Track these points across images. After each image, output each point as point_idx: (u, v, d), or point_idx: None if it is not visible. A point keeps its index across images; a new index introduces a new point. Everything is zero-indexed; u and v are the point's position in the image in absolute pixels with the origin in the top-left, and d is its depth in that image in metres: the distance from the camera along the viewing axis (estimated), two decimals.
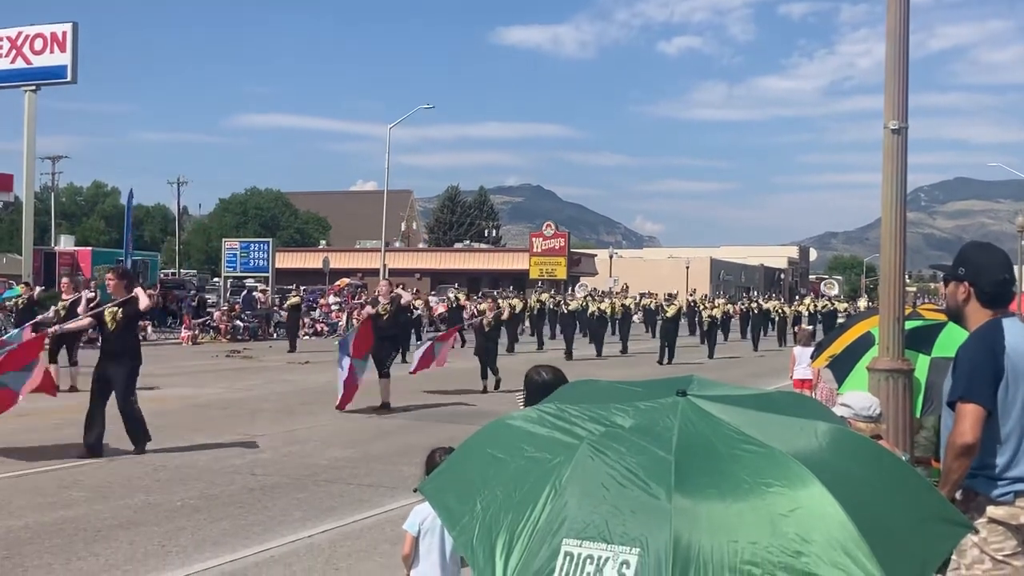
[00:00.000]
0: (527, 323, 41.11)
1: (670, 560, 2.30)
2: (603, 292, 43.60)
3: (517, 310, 37.01)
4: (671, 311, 31.50)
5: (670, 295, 39.83)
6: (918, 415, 6.78)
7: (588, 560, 2.39)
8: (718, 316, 36.26)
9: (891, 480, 2.77)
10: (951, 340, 6.68)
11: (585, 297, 38.15)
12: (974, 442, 4.10)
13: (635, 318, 42.42)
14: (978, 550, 4.18)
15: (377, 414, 16.00)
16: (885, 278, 7.94)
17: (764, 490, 2.43)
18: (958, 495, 4.22)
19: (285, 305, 37.11)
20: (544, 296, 40.44)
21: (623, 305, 36.26)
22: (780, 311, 46.43)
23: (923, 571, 2.55)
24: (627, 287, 45.68)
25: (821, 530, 2.34)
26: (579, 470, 2.59)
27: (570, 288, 48.23)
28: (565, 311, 34.49)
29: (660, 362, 28.87)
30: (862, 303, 63.96)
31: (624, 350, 33.31)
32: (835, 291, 58.70)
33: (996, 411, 4.16)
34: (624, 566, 2.35)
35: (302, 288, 42.22)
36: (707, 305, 38.82)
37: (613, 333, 36.39)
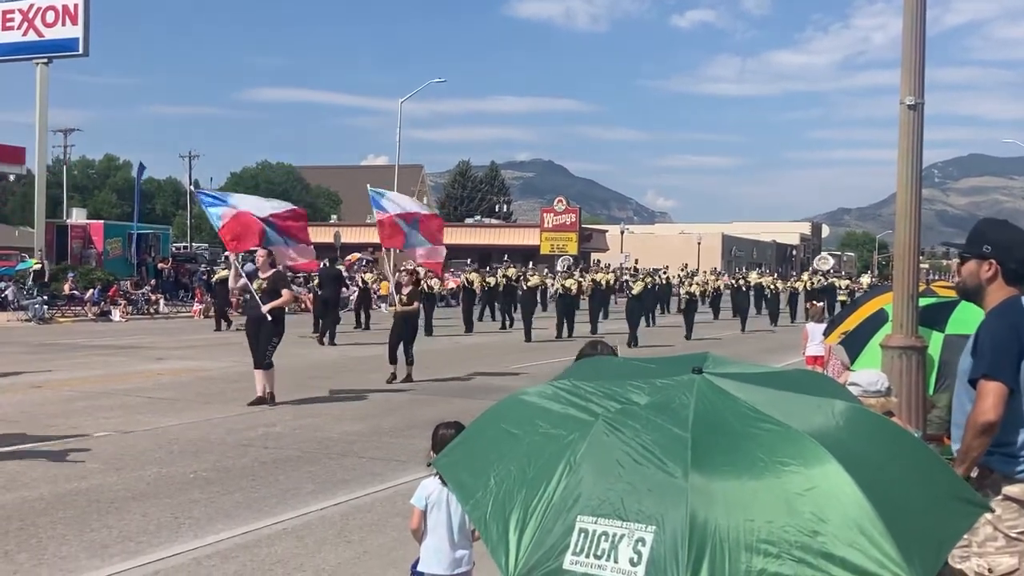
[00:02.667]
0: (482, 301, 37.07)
1: (686, 538, 2.30)
2: (568, 267, 39.95)
3: (474, 286, 34.19)
4: (637, 288, 27.84)
5: (636, 270, 36.55)
6: (931, 393, 6.77)
7: (603, 537, 2.40)
8: (696, 292, 32.70)
9: (908, 459, 2.75)
10: (965, 318, 6.66)
11: (560, 273, 34.29)
12: (996, 420, 4.06)
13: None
14: (991, 527, 4.17)
15: (269, 405, 13.76)
16: (899, 255, 7.91)
17: (780, 469, 2.43)
18: (973, 473, 4.20)
19: (213, 279, 31.77)
20: (511, 272, 35.32)
21: (593, 281, 32.46)
22: (772, 287, 41.83)
23: (939, 550, 2.54)
24: (598, 261, 42.36)
25: (837, 509, 2.34)
26: (594, 447, 2.59)
27: (530, 263, 42.77)
28: (524, 288, 30.03)
29: (630, 344, 25.42)
30: (865, 279, 62.92)
31: (593, 331, 29.19)
32: (828, 265, 57.24)
33: (1018, 389, 4.13)
34: (640, 543, 2.35)
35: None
36: (685, 280, 35.22)
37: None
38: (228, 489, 9.01)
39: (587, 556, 2.39)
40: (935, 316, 6.99)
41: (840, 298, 40.48)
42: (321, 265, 25.10)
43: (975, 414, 4.12)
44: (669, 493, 2.40)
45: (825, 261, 60.91)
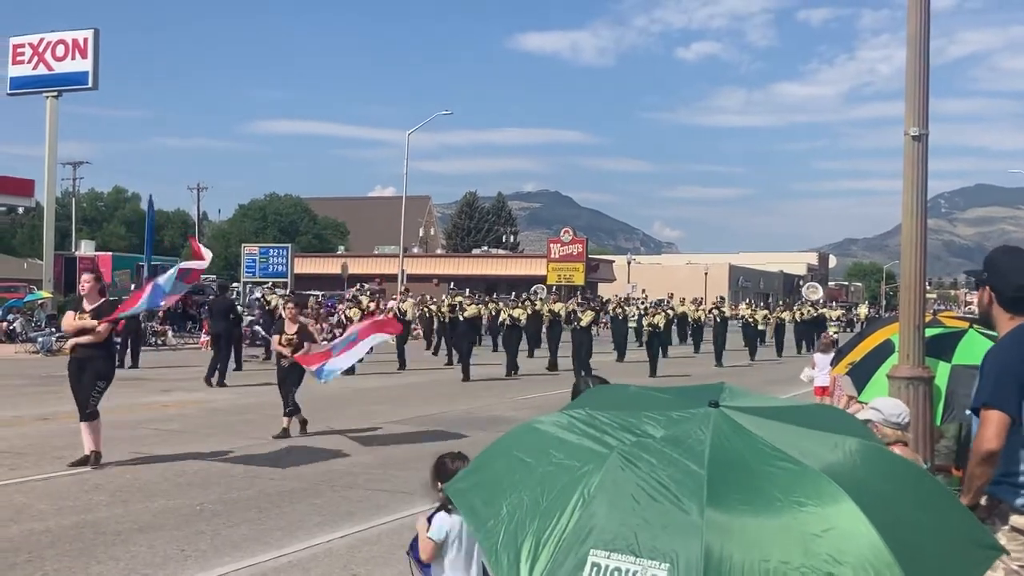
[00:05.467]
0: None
1: None
2: (529, 295, 34.73)
3: (407, 316, 29.92)
4: (586, 319, 25.27)
5: (585, 299, 33.39)
6: (938, 423, 6.75)
7: (616, 572, 2.38)
8: (661, 324, 28.85)
9: (924, 500, 2.74)
10: (972, 348, 6.65)
11: (525, 301, 31.49)
12: (997, 448, 4.07)
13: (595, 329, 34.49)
14: None
15: (91, 467, 11.25)
16: (905, 285, 7.89)
17: (797, 509, 2.42)
18: (983, 501, 4.19)
19: None
20: (459, 299, 29.29)
21: (551, 311, 29.42)
22: (753, 319, 37.30)
23: None
24: (551, 288, 37.60)
25: (853, 551, 2.33)
26: (609, 480, 2.58)
27: (467, 290, 34.96)
28: (461, 318, 25.99)
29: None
30: (862, 310, 61.86)
31: (551, 366, 27.18)
32: (818, 295, 55.97)
33: (1021, 419, 4.13)
34: None
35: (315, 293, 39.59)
36: (648, 310, 32.37)
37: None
38: (234, 521, 8.99)
39: None
40: (942, 346, 6.98)
41: (831, 329, 39.22)
42: (211, 295, 23.14)
43: (977, 442, 4.14)
44: (684, 531, 2.38)
45: (815, 291, 59.81)
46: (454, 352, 28.18)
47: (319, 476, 11.21)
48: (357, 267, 64.20)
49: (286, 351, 14.15)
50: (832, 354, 13.61)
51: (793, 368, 28.57)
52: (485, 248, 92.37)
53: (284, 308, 14.71)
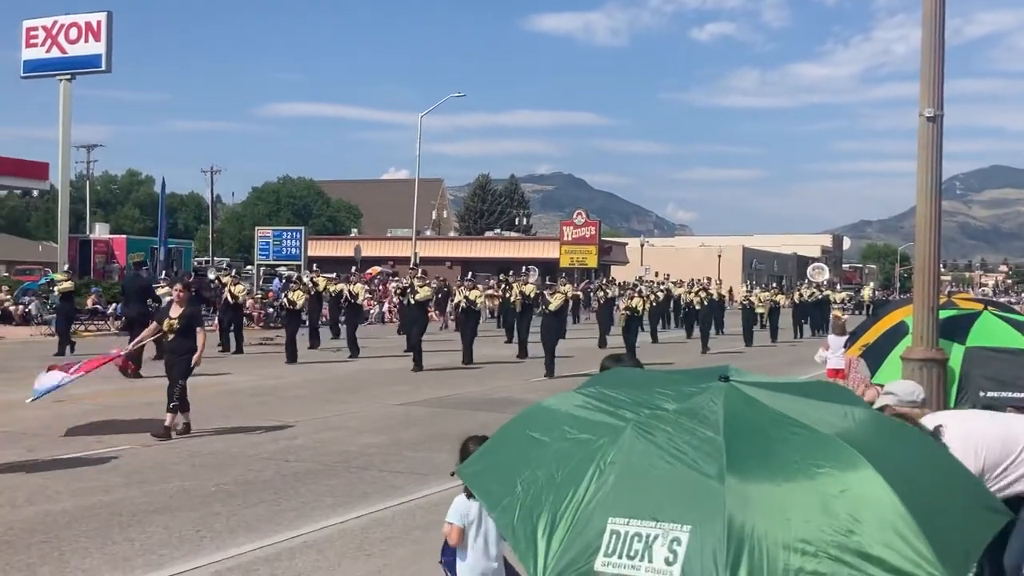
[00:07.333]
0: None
1: (724, 537, 2.33)
2: (505, 279, 32.30)
3: (360, 299, 27.16)
4: (555, 303, 22.67)
5: (553, 280, 30.90)
6: (952, 405, 6.73)
7: (636, 538, 2.42)
8: (640, 307, 26.14)
9: (933, 464, 2.81)
10: (986, 330, 6.64)
11: (502, 284, 30.00)
12: None
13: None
14: None
15: None
16: (920, 267, 7.88)
17: (815, 471, 2.47)
18: None
19: (56, 290, 26.42)
20: (414, 281, 23.86)
21: (522, 293, 26.62)
22: (749, 302, 34.94)
23: (967, 556, 2.56)
24: (531, 271, 34.56)
25: (872, 510, 2.38)
26: (626, 451, 2.62)
27: (419, 270, 27.65)
28: (412, 302, 22.65)
29: (547, 374, 20.61)
30: (866, 292, 61.36)
31: (522, 353, 25.00)
32: (823, 277, 54.94)
33: None
34: (675, 543, 2.37)
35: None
36: (626, 292, 30.06)
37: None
38: (249, 502, 9.05)
39: (620, 557, 2.42)
40: (956, 328, 6.97)
41: (835, 312, 37.72)
42: (126, 274, 21.26)
43: None
44: (705, 494, 2.43)
45: (820, 272, 58.78)
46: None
47: (334, 458, 11.26)
48: (370, 250, 64.22)
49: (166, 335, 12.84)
50: (846, 336, 13.60)
51: (791, 353, 28.52)
52: (498, 231, 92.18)
53: (174, 291, 13.31)
